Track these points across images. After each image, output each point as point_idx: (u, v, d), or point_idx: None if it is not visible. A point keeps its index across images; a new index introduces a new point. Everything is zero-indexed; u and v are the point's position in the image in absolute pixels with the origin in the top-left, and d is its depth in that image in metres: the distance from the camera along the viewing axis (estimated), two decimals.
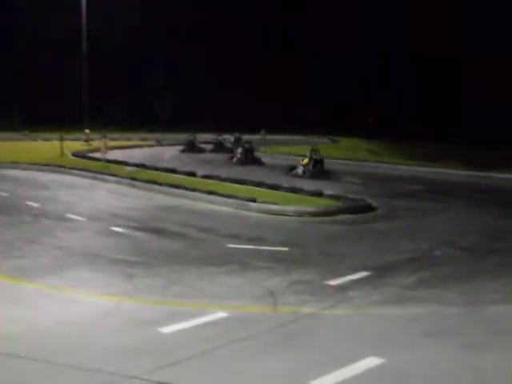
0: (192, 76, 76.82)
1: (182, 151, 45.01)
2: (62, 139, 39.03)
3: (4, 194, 23.46)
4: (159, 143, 53.69)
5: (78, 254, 13.62)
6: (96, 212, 19.42)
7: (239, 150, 37.37)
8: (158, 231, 16.48)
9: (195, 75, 77.12)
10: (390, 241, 16.08)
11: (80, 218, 18.20)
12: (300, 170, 30.98)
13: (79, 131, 52.64)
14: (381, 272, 12.47)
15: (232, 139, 47.37)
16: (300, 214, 19.12)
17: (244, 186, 23.90)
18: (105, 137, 33.07)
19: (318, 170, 30.70)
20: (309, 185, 24.82)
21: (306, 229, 17.60)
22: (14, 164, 33.23)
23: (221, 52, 78.07)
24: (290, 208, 19.56)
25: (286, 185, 23.80)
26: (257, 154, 38.53)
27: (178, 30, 77.41)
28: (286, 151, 44.46)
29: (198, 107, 74.46)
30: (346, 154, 43.42)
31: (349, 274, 12.18)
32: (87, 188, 25.53)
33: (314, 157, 31.19)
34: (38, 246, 14.45)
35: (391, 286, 11.54)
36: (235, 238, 15.83)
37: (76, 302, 10.28)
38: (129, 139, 55.99)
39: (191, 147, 45.86)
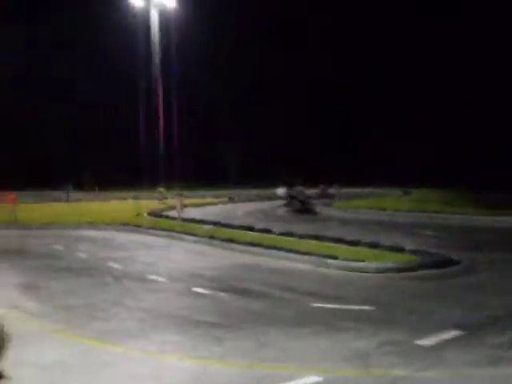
0: (261, 132, 77.71)
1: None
2: (137, 198, 39.67)
3: (83, 256, 23.81)
4: (232, 200, 54.10)
5: (163, 317, 13.61)
6: (176, 272, 19.49)
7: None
8: (240, 291, 16.38)
9: (263, 131, 78.02)
10: (476, 296, 15.61)
11: (161, 279, 18.29)
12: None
13: (153, 189, 53.41)
14: (471, 330, 12.07)
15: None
16: (381, 271, 18.80)
17: (321, 243, 23.69)
18: (180, 195, 33.43)
19: (300, 208, 41.59)
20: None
21: (389, 286, 17.23)
22: (92, 225, 33.85)
23: (290, 107, 78.90)
24: (371, 265, 19.25)
25: (365, 240, 23.47)
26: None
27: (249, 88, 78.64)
28: (356, 205, 44.33)
29: (269, 163, 74.76)
30: (418, 205, 42.92)
31: (439, 333, 11.82)
32: (165, 248, 25.70)
33: (300, 198, 42.63)
34: (121, 309, 14.53)
35: (483, 345, 11.15)
36: (318, 296, 15.59)
37: (165, 367, 10.20)
38: (203, 196, 56.84)
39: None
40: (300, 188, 48.69)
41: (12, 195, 39.26)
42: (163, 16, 52.73)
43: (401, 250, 21.68)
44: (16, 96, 79.79)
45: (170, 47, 55.34)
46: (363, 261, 19.69)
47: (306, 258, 20.74)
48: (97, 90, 78.11)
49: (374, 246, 22.48)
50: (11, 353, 11.01)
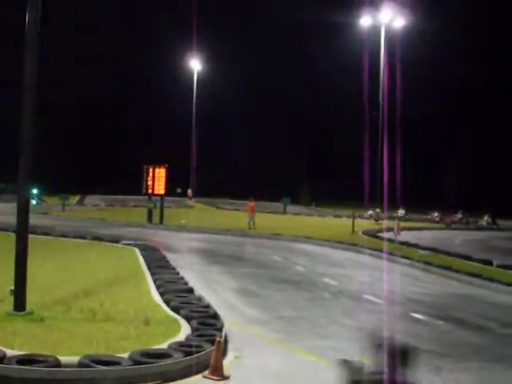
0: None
1: None
2: (353, 217, 39.95)
3: (301, 269, 24.41)
4: (448, 227, 52.85)
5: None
6: (392, 295, 19.36)
7: None
8: (458, 321, 16.04)
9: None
10: None
11: (377, 300, 18.32)
12: None
13: (368, 208, 53.41)
14: None
15: None
16: None
17: None
18: (398, 218, 33.28)
19: None
20: None
21: None
22: (308, 239, 34.58)
23: None
24: None
25: None
26: None
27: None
28: None
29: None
30: None
31: None
32: (380, 269, 25.55)
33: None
34: (340, 327, 14.75)
35: None
36: None
37: None
38: (420, 221, 56.21)
39: None
40: None
41: (251, 203, 40.51)
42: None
43: None
44: None
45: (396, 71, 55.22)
46: None
47: None
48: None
49: None
50: (231, 355, 11.63)
